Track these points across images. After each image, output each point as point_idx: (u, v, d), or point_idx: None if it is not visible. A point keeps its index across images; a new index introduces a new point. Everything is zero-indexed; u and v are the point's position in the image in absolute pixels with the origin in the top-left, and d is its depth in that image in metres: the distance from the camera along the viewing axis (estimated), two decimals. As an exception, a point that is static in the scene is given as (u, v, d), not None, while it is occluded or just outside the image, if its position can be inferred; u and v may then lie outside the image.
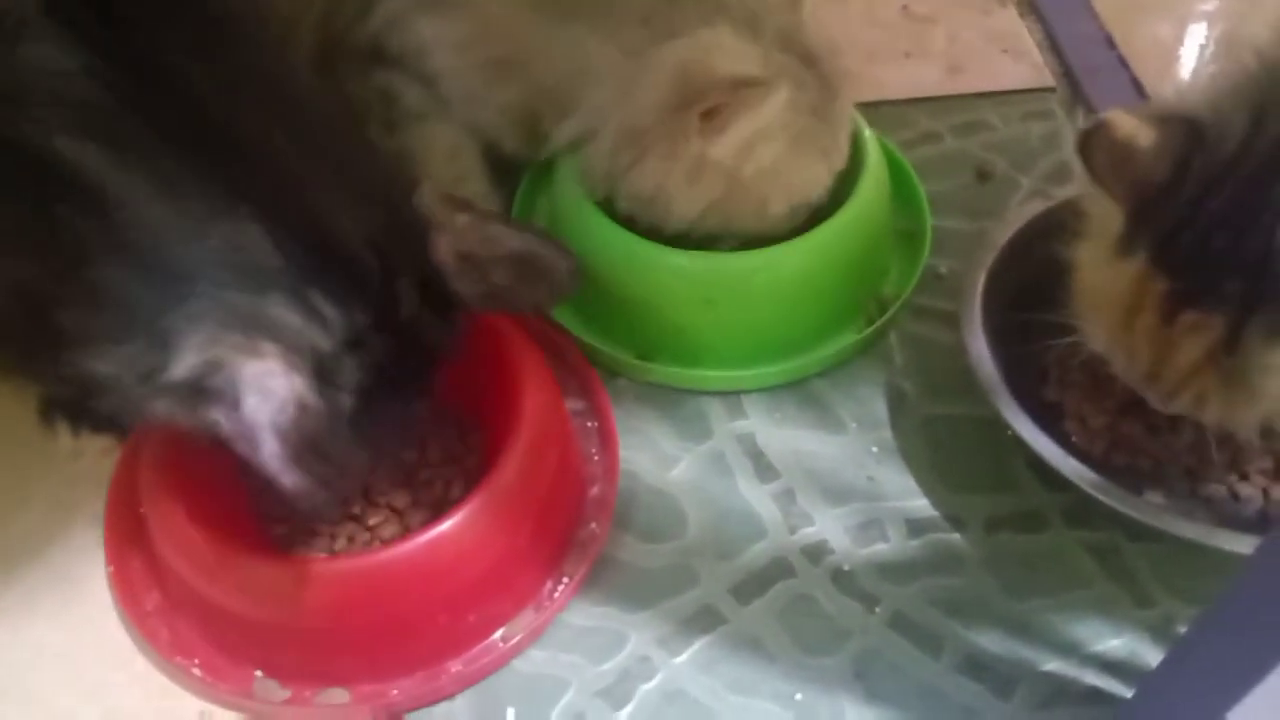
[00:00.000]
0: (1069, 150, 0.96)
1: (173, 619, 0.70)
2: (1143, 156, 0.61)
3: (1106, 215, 0.64)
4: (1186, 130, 0.61)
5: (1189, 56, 1.07)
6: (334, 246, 0.55)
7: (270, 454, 0.52)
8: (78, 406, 0.76)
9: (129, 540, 0.72)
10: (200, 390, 0.52)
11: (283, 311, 0.54)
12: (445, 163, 0.83)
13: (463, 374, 0.75)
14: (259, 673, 0.68)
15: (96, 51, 0.51)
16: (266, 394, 0.52)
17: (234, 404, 0.52)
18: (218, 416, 0.52)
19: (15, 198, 0.52)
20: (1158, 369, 0.64)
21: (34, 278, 0.54)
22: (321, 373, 0.55)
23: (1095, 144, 0.62)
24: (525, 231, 0.63)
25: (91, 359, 0.54)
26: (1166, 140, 0.61)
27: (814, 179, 0.79)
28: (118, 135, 0.52)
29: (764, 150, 0.75)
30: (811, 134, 0.77)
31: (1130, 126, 0.61)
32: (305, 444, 0.53)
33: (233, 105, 0.54)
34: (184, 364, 0.52)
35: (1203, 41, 1.09)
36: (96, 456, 0.76)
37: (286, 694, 0.67)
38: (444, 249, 0.60)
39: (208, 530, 0.65)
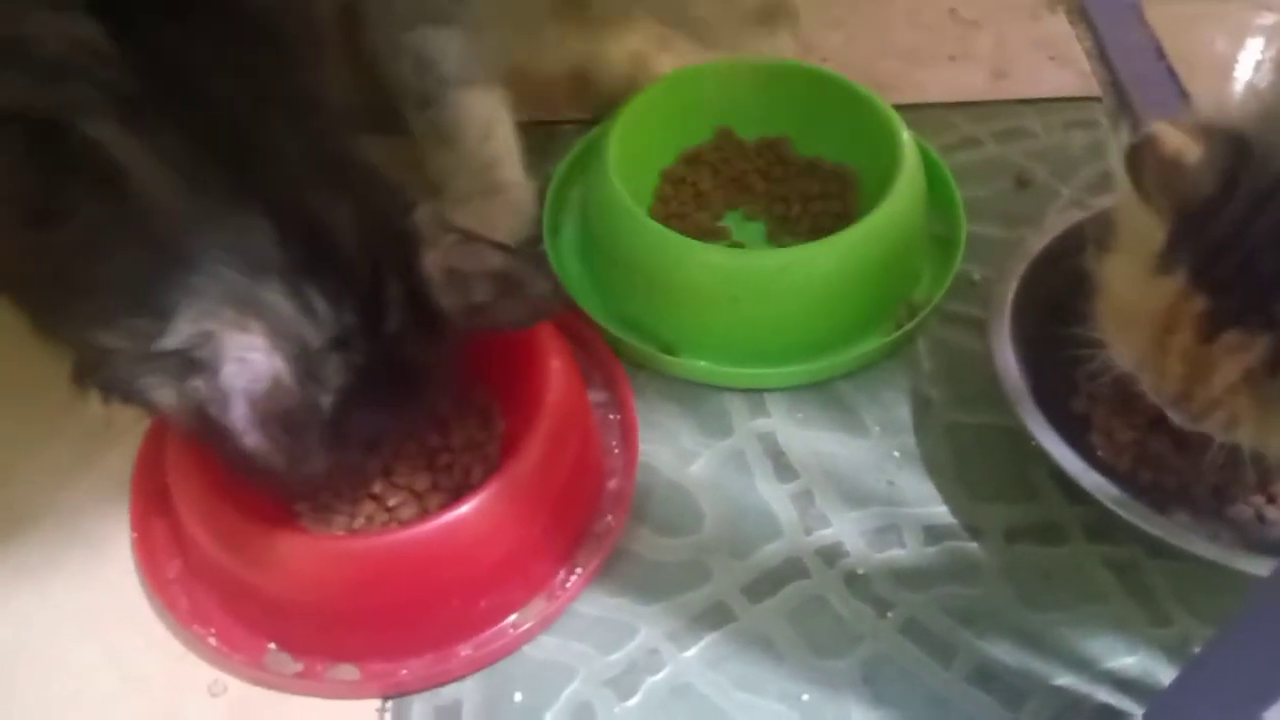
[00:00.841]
0: (1112, 160, 0.94)
1: (192, 588, 0.71)
2: (1189, 172, 0.60)
3: (1142, 231, 0.63)
4: (1233, 146, 0.59)
5: (1243, 72, 1.05)
6: (332, 250, 0.57)
7: (237, 415, 0.54)
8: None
9: (154, 508, 0.74)
10: (189, 360, 0.54)
11: (277, 298, 0.56)
12: (479, 144, 0.83)
13: (488, 362, 0.76)
14: (273, 645, 0.69)
15: (133, 43, 0.54)
16: (244, 364, 0.54)
17: (214, 371, 0.54)
18: (198, 383, 0.54)
19: (42, 171, 0.54)
20: (1190, 389, 0.62)
21: (55, 250, 0.56)
22: (307, 367, 0.56)
23: (1143, 158, 0.61)
24: (508, 252, 0.65)
25: (99, 331, 0.56)
26: (1213, 155, 0.59)
27: None
28: (144, 124, 0.54)
29: None
30: None
31: (1178, 141, 0.60)
32: (273, 416, 0.55)
33: (255, 112, 0.57)
34: (177, 334, 0.54)
35: (1258, 57, 1.07)
36: (126, 424, 0.77)
37: (298, 667, 0.68)
38: (431, 263, 0.62)
39: (230, 503, 0.66)
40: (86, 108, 0.54)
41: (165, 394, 0.57)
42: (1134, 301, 0.63)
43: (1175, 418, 0.65)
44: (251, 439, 0.54)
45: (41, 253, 0.57)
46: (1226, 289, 0.59)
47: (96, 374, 0.58)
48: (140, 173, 0.54)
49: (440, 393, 0.66)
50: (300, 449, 0.56)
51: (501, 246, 0.65)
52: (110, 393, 0.77)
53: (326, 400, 0.58)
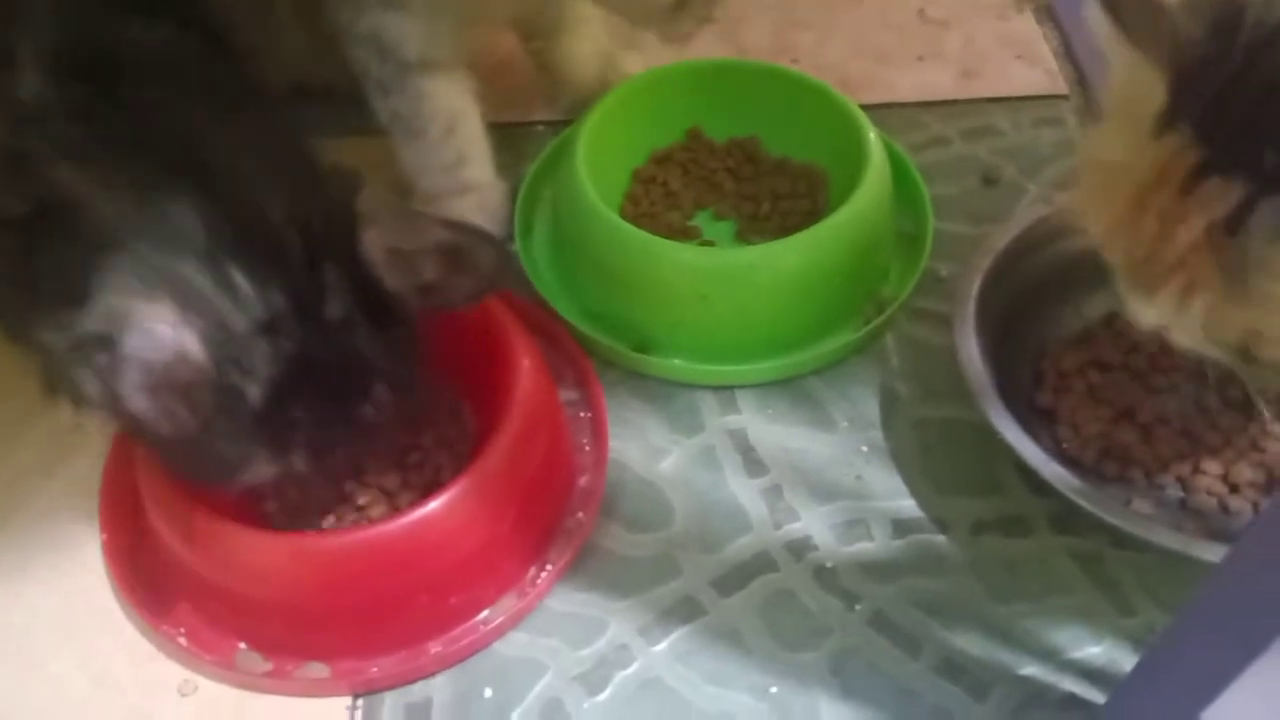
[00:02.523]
0: (1079, 157, 0.96)
1: (162, 589, 0.71)
2: (1175, 15, 0.57)
3: (1139, 94, 0.59)
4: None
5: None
6: (260, 231, 0.56)
7: (127, 382, 0.52)
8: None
9: (124, 510, 0.74)
10: (100, 339, 0.52)
11: (193, 274, 0.54)
12: (444, 137, 0.82)
13: (458, 360, 0.76)
14: (243, 645, 0.69)
15: (90, 89, 0.56)
16: (146, 334, 0.52)
17: (117, 343, 0.52)
18: (102, 357, 0.52)
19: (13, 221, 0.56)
20: (1155, 248, 0.59)
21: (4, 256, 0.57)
22: (229, 350, 0.55)
23: (1123, 2, 0.58)
24: (451, 225, 0.63)
25: (39, 329, 0.55)
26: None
27: None
28: (99, 160, 0.55)
29: None
30: None
31: None
32: (169, 386, 0.52)
33: (185, 108, 0.58)
34: (92, 316, 0.52)
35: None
36: (96, 428, 0.77)
37: (268, 666, 0.68)
38: (371, 242, 0.60)
39: (198, 504, 0.66)
40: (52, 156, 0.55)
41: (89, 382, 0.54)
42: (1122, 165, 0.60)
43: (1133, 300, 0.62)
44: (136, 403, 0.52)
45: None
46: (1227, 140, 0.56)
47: (44, 374, 0.57)
48: (92, 201, 0.54)
49: (402, 393, 0.62)
50: (204, 427, 0.54)
51: (443, 220, 0.63)
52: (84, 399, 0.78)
53: (254, 390, 0.56)
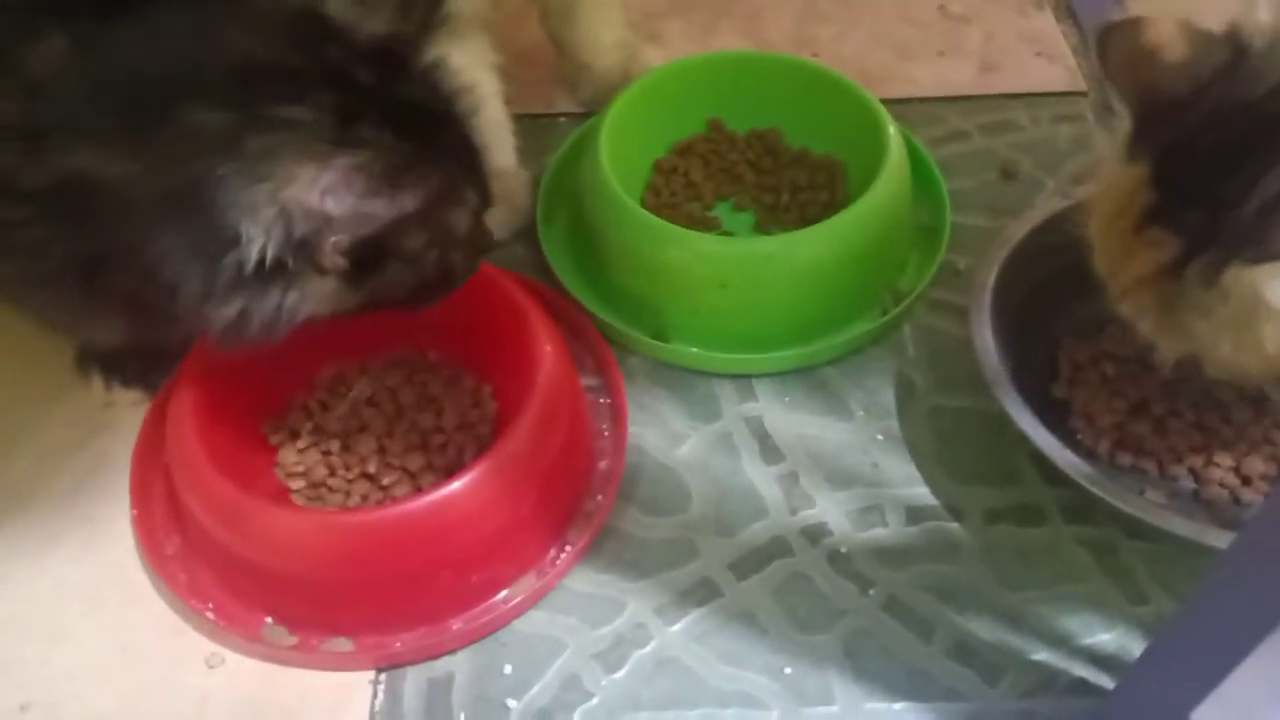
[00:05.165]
0: (1097, 153, 0.96)
1: (190, 564, 0.73)
2: (1164, 67, 0.60)
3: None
4: (1227, 53, 0.59)
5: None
6: (263, 68, 0.57)
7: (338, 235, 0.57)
8: (112, 360, 0.80)
9: (153, 487, 0.76)
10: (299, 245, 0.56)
11: (281, 135, 0.55)
12: None
13: (481, 344, 0.77)
14: (269, 619, 0.70)
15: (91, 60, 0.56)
16: (313, 207, 0.55)
17: (297, 225, 0.56)
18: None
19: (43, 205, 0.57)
20: (1116, 269, 0.65)
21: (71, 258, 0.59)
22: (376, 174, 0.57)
23: (1117, 41, 0.61)
24: None
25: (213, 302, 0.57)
26: (1199, 58, 0.60)
27: None
28: (107, 130, 0.56)
29: None
30: None
31: (1163, 35, 0.60)
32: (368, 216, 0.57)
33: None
34: (255, 245, 0.55)
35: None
36: (126, 407, 0.80)
37: (294, 641, 0.70)
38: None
39: (227, 481, 0.67)
40: (71, 144, 0.56)
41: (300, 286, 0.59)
42: (1109, 179, 0.65)
43: (1109, 294, 0.67)
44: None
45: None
46: (1171, 187, 0.60)
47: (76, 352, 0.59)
48: (112, 172, 0.55)
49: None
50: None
51: None
52: (117, 376, 0.79)
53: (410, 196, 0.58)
